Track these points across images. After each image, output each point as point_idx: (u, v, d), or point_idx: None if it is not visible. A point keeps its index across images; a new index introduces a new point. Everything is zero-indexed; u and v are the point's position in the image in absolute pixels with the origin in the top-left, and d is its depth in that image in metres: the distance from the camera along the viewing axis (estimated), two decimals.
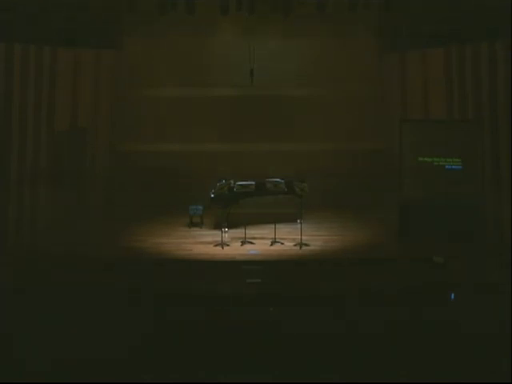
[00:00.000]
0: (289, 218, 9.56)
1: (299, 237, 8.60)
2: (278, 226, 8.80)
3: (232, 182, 9.41)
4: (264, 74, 10.98)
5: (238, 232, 9.08)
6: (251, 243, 8.71)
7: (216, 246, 8.62)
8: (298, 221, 9.19)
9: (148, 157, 11.11)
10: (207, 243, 8.79)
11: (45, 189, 9.81)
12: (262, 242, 8.75)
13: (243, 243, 8.71)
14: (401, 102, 10.82)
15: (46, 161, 9.91)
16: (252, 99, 11.14)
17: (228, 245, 8.66)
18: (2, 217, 9.19)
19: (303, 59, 11.24)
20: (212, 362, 5.13)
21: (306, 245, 8.55)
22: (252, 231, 9.10)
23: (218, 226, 9.32)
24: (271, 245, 8.64)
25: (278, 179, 9.27)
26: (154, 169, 11.01)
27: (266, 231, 9.09)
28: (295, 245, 8.59)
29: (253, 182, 9.35)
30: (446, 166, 9.05)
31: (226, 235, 9.06)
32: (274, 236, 8.72)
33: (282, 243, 8.67)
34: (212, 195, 9.28)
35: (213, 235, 9.15)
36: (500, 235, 8.80)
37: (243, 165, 10.71)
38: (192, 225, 9.74)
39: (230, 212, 9.31)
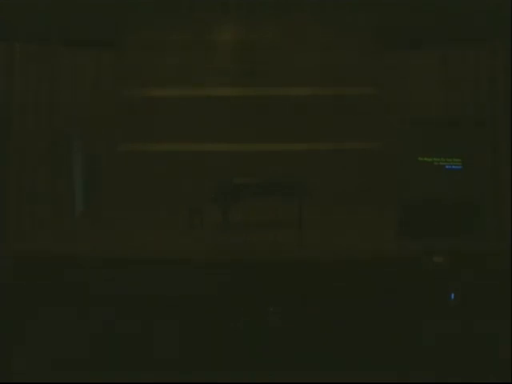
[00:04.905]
0: (289, 218, 9.56)
1: (299, 237, 8.60)
2: (278, 225, 8.80)
3: (232, 181, 9.41)
4: (264, 73, 10.99)
5: (239, 232, 9.07)
6: (252, 242, 8.72)
7: (216, 246, 8.62)
8: (298, 220, 9.19)
9: (148, 157, 11.11)
10: (207, 243, 8.79)
11: (44, 189, 9.82)
12: (262, 241, 8.75)
13: (244, 243, 8.72)
14: (401, 102, 10.82)
15: (46, 161, 9.91)
16: (252, 99, 11.15)
17: (229, 245, 8.67)
18: (1, 216, 9.19)
19: (303, 59, 11.24)
20: (212, 362, 5.14)
21: (307, 245, 8.55)
22: (252, 231, 9.10)
23: (218, 226, 9.33)
24: (271, 245, 8.65)
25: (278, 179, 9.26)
26: (154, 169, 11.02)
27: (267, 231, 9.09)
28: (295, 245, 8.59)
29: (253, 182, 9.36)
30: (446, 166, 9.05)
31: (227, 235, 9.06)
32: (274, 236, 8.72)
33: (283, 243, 8.68)
34: (212, 195, 9.29)
35: (213, 235, 9.15)
36: (500, 235, 8.80)
37: (244, 165, 10.71)
38: (192, 225, 9.74)
39: (231, 212, 9.31)
